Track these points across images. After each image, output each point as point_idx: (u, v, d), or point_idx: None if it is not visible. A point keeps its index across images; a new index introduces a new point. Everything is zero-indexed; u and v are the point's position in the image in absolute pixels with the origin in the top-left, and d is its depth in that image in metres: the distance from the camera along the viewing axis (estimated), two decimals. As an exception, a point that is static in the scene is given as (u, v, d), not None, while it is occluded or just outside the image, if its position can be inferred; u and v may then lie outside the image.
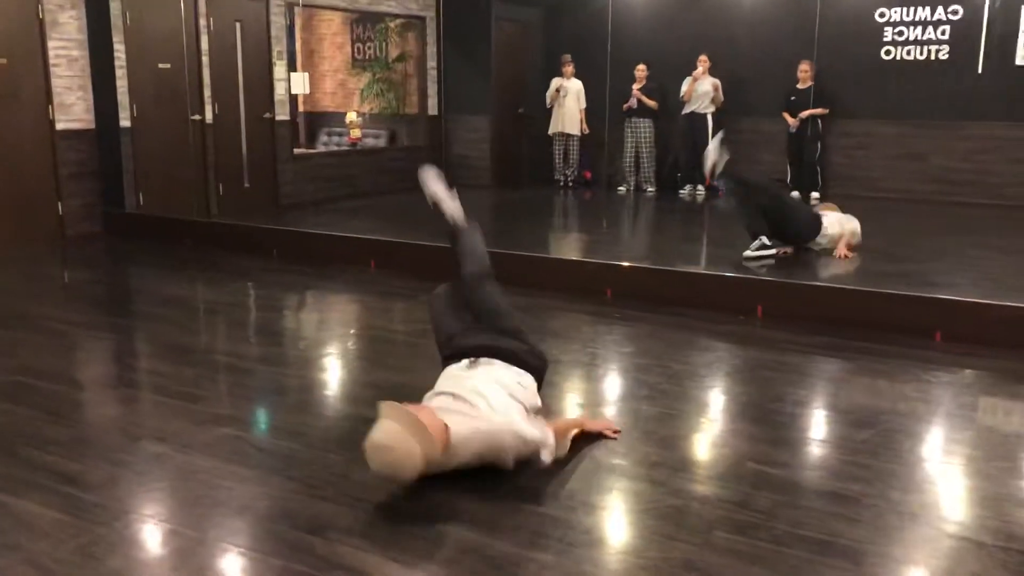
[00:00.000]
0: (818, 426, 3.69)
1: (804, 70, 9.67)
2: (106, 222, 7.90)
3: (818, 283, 5.58)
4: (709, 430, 3.62)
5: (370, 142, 11.24)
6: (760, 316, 5.12)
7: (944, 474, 3.17)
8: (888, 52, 9.62)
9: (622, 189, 10.71)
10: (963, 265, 6.19)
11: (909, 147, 9.69)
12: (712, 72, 10.00)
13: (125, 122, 7.78)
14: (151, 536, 2.66)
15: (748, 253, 6.22)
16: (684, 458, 3.33)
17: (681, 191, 10.42)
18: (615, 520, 2.82)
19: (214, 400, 3.88)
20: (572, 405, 3.87)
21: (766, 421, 3.64)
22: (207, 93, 8.36)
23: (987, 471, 3.15)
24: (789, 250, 6.49)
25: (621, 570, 2.45)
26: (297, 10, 9.70)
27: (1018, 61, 9.00)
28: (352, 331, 5.32)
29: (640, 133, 10.45)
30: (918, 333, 4.72)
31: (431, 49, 11.00)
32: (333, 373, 4.43)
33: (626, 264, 5.85)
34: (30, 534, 2.61)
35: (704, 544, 2.59)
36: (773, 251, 6.24)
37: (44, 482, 2.95)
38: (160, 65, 8.02)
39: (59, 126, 7.51)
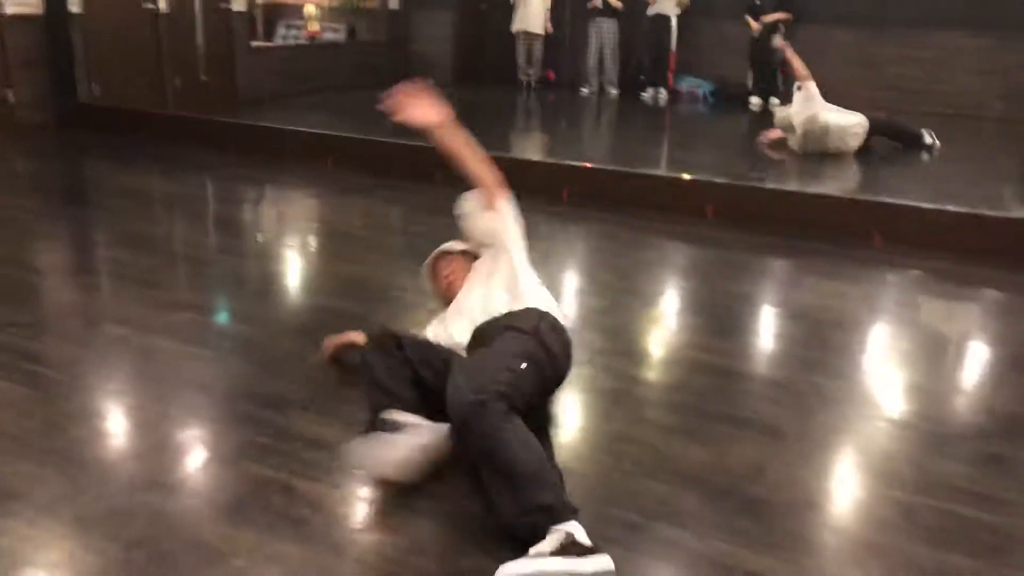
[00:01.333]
0: (757, 319, 3.88)
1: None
2: (59, 112, 7.75)
3: (766, 185, 5.72)
4: (653, 321, 3.79)
5: (329, 36, 11.02)
6: (711, 216, 5.26)
7: (872, 365, 3.38)
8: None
9: (585, 90, 10.69)
10: (909, 171, 6.37)
11: (866, 54, 9.76)
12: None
13: (75, 7, 7.55)
14: (114, 410, 2.79)
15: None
16: (626, 346, 3.50)
17: (644, 93, 10.43)
18: (555, 399, 2.99)
19: (173, 287, 3.96)
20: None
21: (708, 314, 3.83)
22: (161, -20, 8.12)
23: (914, 363, 3.37)
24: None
25: (560, 443, 2.62)
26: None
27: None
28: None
29: (604, 33, 10.38)
30: (860, 235, 4.90)
31: (392, -60, 10.72)
32: (290, 264, 4.52)
33: (581, 165, 5.94)
34: (-4, 407, 2.71)
35: (638, 420, 2.78)
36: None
37: (8, 362, 3.03)
38: (109, -51, 7.76)
39: (6, 10, 7.28)
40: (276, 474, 2.39)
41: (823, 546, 2.18)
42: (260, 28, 11.26)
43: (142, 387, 2.93)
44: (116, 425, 2.71)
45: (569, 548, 1.90)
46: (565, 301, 3.99)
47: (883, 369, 3.30)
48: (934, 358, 3.44)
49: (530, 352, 2.41)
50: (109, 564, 2.02)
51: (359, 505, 2.29)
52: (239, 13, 9.00)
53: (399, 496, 2.29)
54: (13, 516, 2.16)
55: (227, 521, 2.20)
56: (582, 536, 1.95)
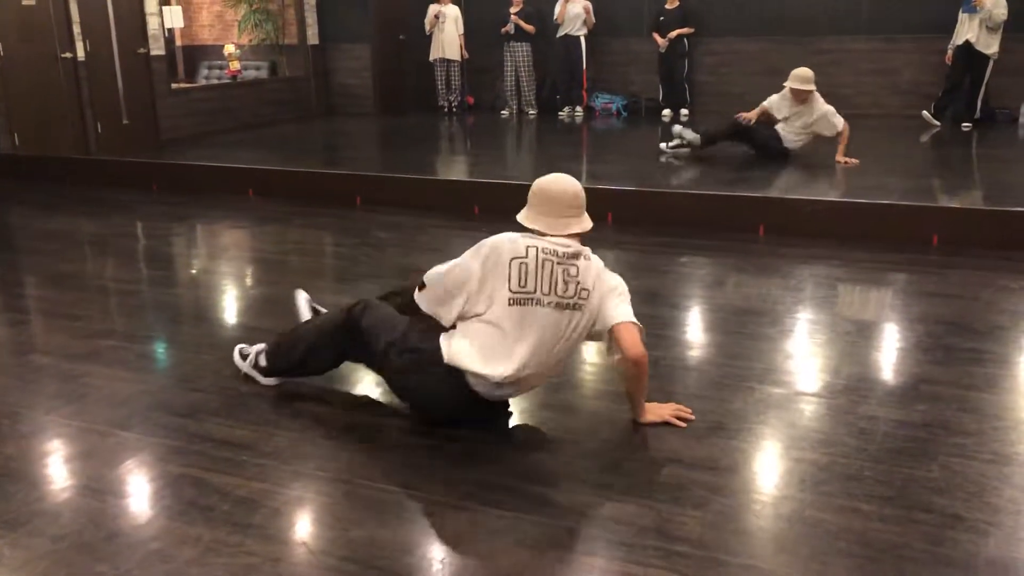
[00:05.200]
0: (640, 306, 4.21)
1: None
2: (-20, 164, 7.87)
3: (659, 189, 6.09)
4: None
5: (251, 74, 11.26)
6: (610, 223, 5.62)
7: (735, 337, 3.73)
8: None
9: (505, 113, 11.06)
10: (799, 169, 6.81)
11: (768, 62, 10.28)
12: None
13: (-8, 61, 7.70)
14: (40, 428, 3.00)
15: (664, 146, 7.37)
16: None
17: (560, 113, 10.84)
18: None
19: (96, 318, 4.17)
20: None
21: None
22: (76, 30, 8.29)
23: (775, 335, 3.73)
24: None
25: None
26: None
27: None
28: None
29: (519, 57, 10.77)
30: (746, 229, 5.30)
31: (308, -22, 11.02)
32: (210, 290, 4.75)
33: (491, 181, 6.27)
34: (-74, 434, 2.91)
35: (532, 402, 3.08)
36: (687, 142, 7.25)
37: (-64, 394, 3.23)
38: (24, 2, 7.92)
39: (-78, 67, 7.40)
40: (188, 470, 2.64)
41: (676, 489, 2.49)
42: (181, 69, 11.46)
43: (66, 407, 3.14)
44: (42, 441, 2.92)
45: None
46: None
47: (752, 343, 3.66)
48: (818, 335, 3.81)
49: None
50: (35, 556, 2.24)
51: (262, 492, 2.54)
52: (158, 56, 9.20)
53: (297, 483, 2.56)
54: (-55, 525, 2.37)
55: (144, 512, 2.45)
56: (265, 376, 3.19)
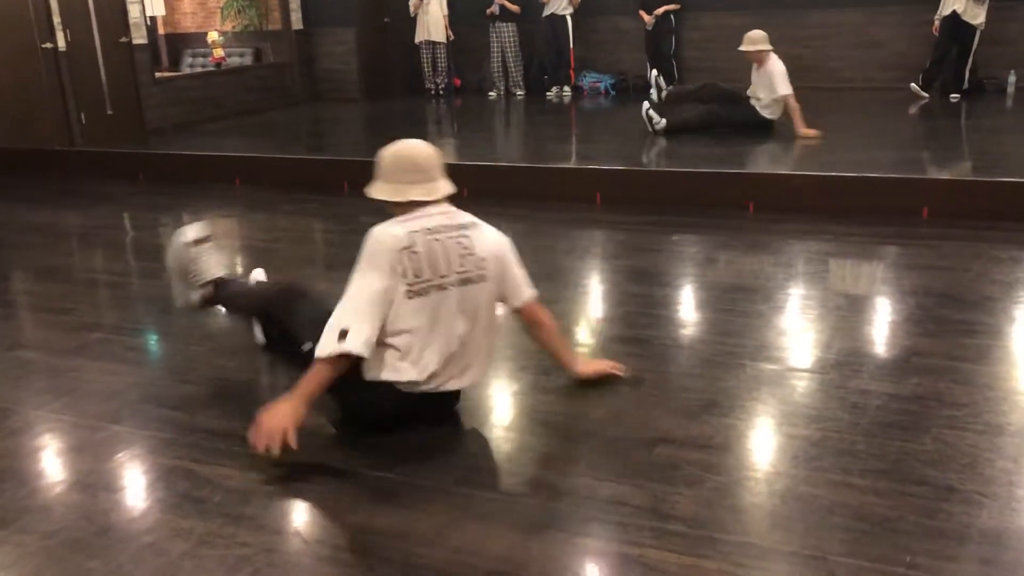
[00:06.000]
0: (625, 285, 4.21)
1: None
2: (-36, 158, 7.79)
3: (648, 168, 6.07)
4: (544, 298, 4.07)
5: (235, 61, 11.16)
6: (599, 203, 5.60)
7: (726, 315, 3.72)
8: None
9: (492, 94, 10.99)
10: (789, 142, 6.78)
11: (755, 37, 10.24)
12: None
13: (-29, 54, 7.61)
14: (30, 423, 2.97)
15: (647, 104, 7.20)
16: (506, 318, 3.78)
17: (548, 93, 10.78)
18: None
19: (84, 311, 4.14)
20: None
21: (581, 285, 4.14)
22: (56, 20, 8.18)
23: (766, 311, 3.72)
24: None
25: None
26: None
27: (848, -50, 9.59)
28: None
29: (505, 38, 10.69)
30: (735, 205, 5.28)
31: (290, -38, 10.90)
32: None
33: (479, 163, 6.24)
34: (-86, 433, 2.89)
35: (523, 385, 3.07)
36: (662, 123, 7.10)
37: (-77, 391, 3.20)
38: (2, -7, 7.82)
39: (-99, 61, 7.31)
40: (180, 462, 2.62)
41: (669, 468, 2.49)
42: (165, 58, 11.35)
43: (56, 401, 3.12)
44: (32, 437, 2.89)
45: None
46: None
47: (737, 320, 3.65)
48: (810, 311, 3.81)
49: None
50: (26, 553, 2.23)
51: (254, 483, 2.52)
52: (140, 45, 9.09)
53: (289, 473, 2.54)
54: (-65, 524, 2.36)
55: (137, 506, 2.44)
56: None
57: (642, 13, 10.19)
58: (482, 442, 2.73)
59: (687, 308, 3.96)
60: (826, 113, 8.16)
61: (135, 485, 2.55)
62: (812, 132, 6.78)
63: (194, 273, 3.22)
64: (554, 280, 4.32)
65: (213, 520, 2.32)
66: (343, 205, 6.03)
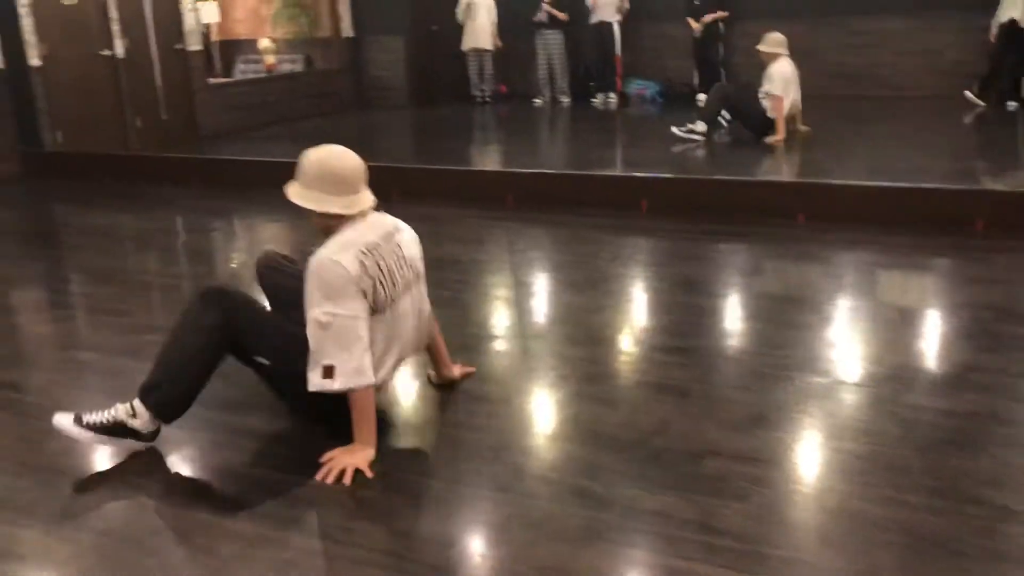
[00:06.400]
0: (670, 293, 4.18)
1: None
2: (24, 162, 8.00)
3: (695, 176, 6.02)
4: (578, 304, 4.08)
5: (287, 67, 11.31)
6: (645, 211, 5.57)
7: (774, 326, 3.68)
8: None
9: (538, 101, 11.01)
10: (838, 152, 6.69)
11: (804, 44, 10.09)
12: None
13: (35, 61, 7.82)
14: (85, 424, 3.05)
15: (676, 129, 7.28)
16: (550, 325, 3.79)
17: (594, 99, 10.76)
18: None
19: (139, 313, 4.23)
20: (463, 300, 4.31)
21: (625, 293, 4.13)
22: (115, 28, 8.40)
23: (815, 323, 3.68)
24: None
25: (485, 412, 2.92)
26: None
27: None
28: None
29: (551, 45, 10.71)
30: (784, 215, 5.22)
31: (341, -30, 11.04)
32: (249, 284, 4.78)
33: (524, 171, 6.25)
34: (-24, 430, 2.97)
35: (567, 393, 3.07)
36: (701, 134, 7.27)
37: (-15, 390, 3.30)
38: (65, 2, 8.03)
39: (-33, 68, 7.54)
40: (230, 465, 2.67)
41: (717, 481, 2.47)
42: (218, 65, 11.55)
43: (107, 402, 3.17)
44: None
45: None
46: (498, 297, 4.28)
47: (773, 330, 3.60)
48: (860, 323, 3.75)
49: None
50: (82, 551, 2.28)
51: (301, 487, 2.55)
52: (195, 52, 9.29)
53: (335, 478, 2.57)
54: (-4, 519, 2.43)
55: (189, 508, 2.48)
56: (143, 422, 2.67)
57: (690, 20, 10.13)
58: (526, 449, 2.73)
59: (734, 318, 3.92)
60: (877, 121, 8.06)
61: (187, 486, 2.60)
62: (777, 140, 7.02)
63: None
64: (597, 287, 4.31)
65: (262, 523, 2.35)
66: (390, 211, 6.07)
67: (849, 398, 2.97)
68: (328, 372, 2.52)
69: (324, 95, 10.88)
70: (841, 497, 2.36)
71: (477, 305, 4.21)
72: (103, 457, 2.78)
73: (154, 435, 2.73)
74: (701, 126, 7.39)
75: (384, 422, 2.92)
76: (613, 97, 10.65)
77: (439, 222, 5.57)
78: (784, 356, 3.31)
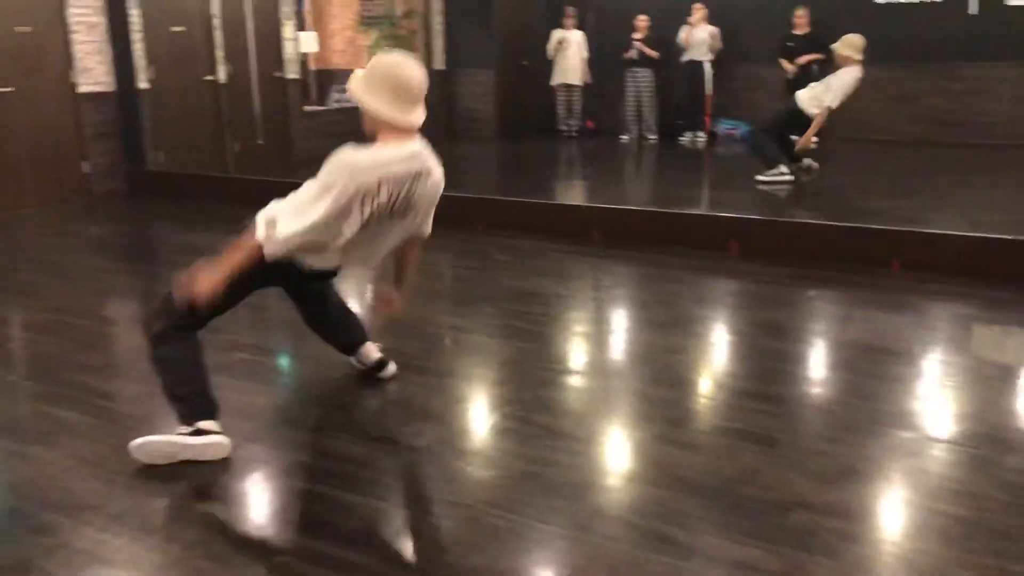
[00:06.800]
0: (758, 338, 4.09)
1: (800, 16, 9.88)
2: (129, 180, 8.36)
3: (785, 219, 5.92)
4: (662, 344, 4.02)
5: (379, 97, 11.57)
6: (734, 252, 5.49)
7: (866, 377, 3.56)
8: (881, -4, 9.83)
9: (625, 138, 11.02)
10: (936, 200, 6.50)
11: (902, 89, 9.92)
12: (710, 20, 10.24)
13: (143, 84, 8.20)
14: (175, 437, 3.13)
15: (761, 177, 7.26)
16: (632, 364, 3.74)
17: (682, 138, 10.72)
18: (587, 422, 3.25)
19: (231, 331, 4.31)
20: (546, 334, 4.30)
21: (710, 335, 4.05)
22: (220, 54, 8.74)
23: (909, 376, 3.55)
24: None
25: (574, 450, 2.89)
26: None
27: (1009, 1, 9.18)
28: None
29: (641, 83, 10.72)
30: (877, 262, 5.08)
31: (436, 5, 11.29)
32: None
33: (610, 206, 6.24)
34: (71, 436, 3.08)
35: (649, 434, 3.02)
36: (789, 176, 7.23)
37: (82, 398, 3.42)
38: (174, 28, 8.41)
39: (81, 89, 7.94)
40: (313, 486, 2.70)
41: (805, 534, 2.38)
42: (314, 93, 11.89)
43: (200, 417, 3.27)
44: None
45: (193, 433, 2.78)
46: (600, 334, 4.26)
47: (870, 384, 3.48)
48: (956, 378, 3.61)
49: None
50: (168, 562, 2.33)
51: (384, 512, 2.57)
52: (293, 80, 9.60)
53: (416, 505, 2.57)
54: (87, 524, 2.50)
55: (272, 526, 2.51)
56: (209, 426, 2.81)
57: (783, 62, 10.02)
58: (607, 489, 2.69)
59: (822, 367, 3.81)
60: (979, 171, 7.81)
61: (272, 505, 2.64)
62: (803, 144, 7.18)
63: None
64: (682, 328, 4.26)
65: (346, 547, 2.36)
66: (476, 242, 6.13)
67: (945, 457, 2.84)
68: (282, 231, 2.75)
69: (414, 125, 11.09)
70: (937, 561, 2.25)
71: (558, 340, 4.20)
72: (192, 471, 2.85)
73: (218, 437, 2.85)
74: (784, 169, 7.28)
75: (462, 452, 2.92)
76: (702, 136, 10.59)
77: (524, 254, 5.59)
78: (875, 409, 3.20)
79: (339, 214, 2.71)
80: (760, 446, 2.90)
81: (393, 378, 3.48)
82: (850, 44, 7.09)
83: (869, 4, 9.84)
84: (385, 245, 2.98)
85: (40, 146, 7.70)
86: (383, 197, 2.73)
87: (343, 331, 3.48)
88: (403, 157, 2.77)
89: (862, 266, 5.07)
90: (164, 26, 8.32)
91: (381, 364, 3.48)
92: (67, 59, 7.82)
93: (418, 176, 2.82)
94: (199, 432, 2.83)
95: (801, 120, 7.15)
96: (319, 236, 2.77)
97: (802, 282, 4.95)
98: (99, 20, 8.00)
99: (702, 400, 3.41)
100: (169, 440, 2.82)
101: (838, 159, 9.03)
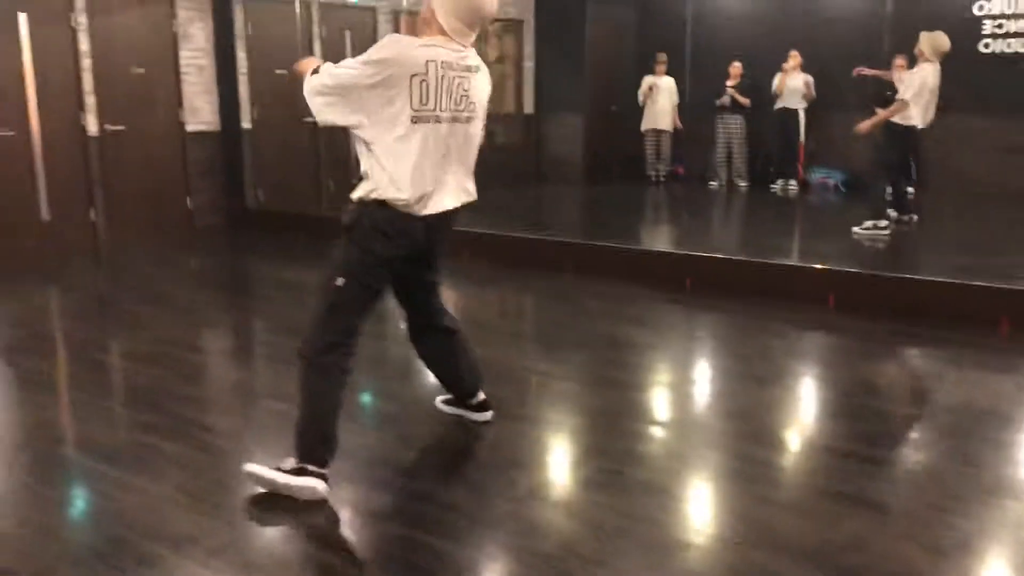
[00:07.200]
0: (857, 397, 3.94)
1: (899, 65, 9.66)
2: (229, 215, 8.65)
3: (887, 273, 5.73)
4: (778, 406, 3.92)
5: (470, 140, 11.75)
6: (832, 305, 5.34)
7: (973, 442, 3.39)
8: (987, 45, 9.55)
9: (714, 184, 10.91)
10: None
11: (1007, 141, 9.58)
12: (804, 68, 10.13)
13: (246, 124, 8.51)
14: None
15: (857, 229, 7.11)
16: (754, 429, 3.64)
17: (772, 185, 10.56)
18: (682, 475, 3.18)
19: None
20: (639, 384, 4.24)
21: (807, 392, 3.93)
22: (319, 96, 9.01)
23: (1008, 440, 3.37)
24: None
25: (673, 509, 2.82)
26: (402, 16, 10.28)
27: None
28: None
29: (732, 129, 10.64)
30: (984, 321, 4.87)
31: (528, 50, 11.46)
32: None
33: (702, 254, 6.15)
34: (176, 468, 3.15)
35: (747, 494, 2.94)
36: (885, 229, 7.10)
37: (183, 428, 3.51)
38: (277, 71, 8.71)
39: (188, 128, 8.29)
40: (409, 531, 2.69)
41: (917, 614, 2.27)
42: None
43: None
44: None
45: (296, 471, 2.81)
46: (678, 386, 4.18)
47: (981, 452, 3.32)
48: (1056, 443, 3.42)
49: (346, 266, 3.11)
50: (266, 600, 2.35)
51: (476, 561, 2.54)
52: (387, 122, 9.82)
53: (510, 553, 2.54)
54: (189, 558, 2.54)
55: (369, 569, 2.51)
56: (313, 469, 2.81)
57: (879, 111, 9.80)
58: (704, 551, 2.61)
59: (928, 430, 3.64)
60: None
61: (368, 550, 2.65)
62: (863, 127, 7.30)
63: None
64: (780, 384, 4.15)
65: (437, 594, 2.35)
66: (564, 286, 6.12)
67: (1069, 534, 2.68)
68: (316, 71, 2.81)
69: (504, 168, 11.21)
70: (1066, 648, 2.11)
71: (653, 391, 4.13)
72: (287, 509, 2.88)
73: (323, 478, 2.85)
74: (883, 222, 7.12)
75: (555, 504, 2.89)
76: (794, 184, 10.42)
77: (612, 300, 5.55)
78: (990, 478, 3.04)
79: (384, 85, 2.67)
80: (868, 511, 2.78)
81: (486, 423, 3.47)
82: (925, 40, 7.13)
83: (973, 53, 9.58)
84: (437, 157, 2.83)
85: (148, 181, 8.04)
86: (432, 80, 2.72)
87: (468, 376, 3.44)
88: (452, 48, 2.83)
89: (968, 324, 4.87)
90: (268, 69, 8.64)
91: (483, 406, 3.47)
92: (177, 99, 8.18)
93: (469, 69, 2.86)
94: (302, 471, 2.85)
95: (909, 137, 7.30)
96: (347, 98, 2.73)
97: (903, 339, 4.78)
98: (207, 63, 8.37)
99: (802, 460, 3.30)
100: (272, 473, 2.88)
101: (940, 212, 8.77)
